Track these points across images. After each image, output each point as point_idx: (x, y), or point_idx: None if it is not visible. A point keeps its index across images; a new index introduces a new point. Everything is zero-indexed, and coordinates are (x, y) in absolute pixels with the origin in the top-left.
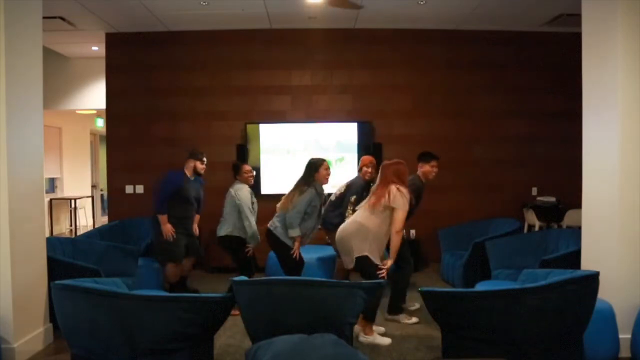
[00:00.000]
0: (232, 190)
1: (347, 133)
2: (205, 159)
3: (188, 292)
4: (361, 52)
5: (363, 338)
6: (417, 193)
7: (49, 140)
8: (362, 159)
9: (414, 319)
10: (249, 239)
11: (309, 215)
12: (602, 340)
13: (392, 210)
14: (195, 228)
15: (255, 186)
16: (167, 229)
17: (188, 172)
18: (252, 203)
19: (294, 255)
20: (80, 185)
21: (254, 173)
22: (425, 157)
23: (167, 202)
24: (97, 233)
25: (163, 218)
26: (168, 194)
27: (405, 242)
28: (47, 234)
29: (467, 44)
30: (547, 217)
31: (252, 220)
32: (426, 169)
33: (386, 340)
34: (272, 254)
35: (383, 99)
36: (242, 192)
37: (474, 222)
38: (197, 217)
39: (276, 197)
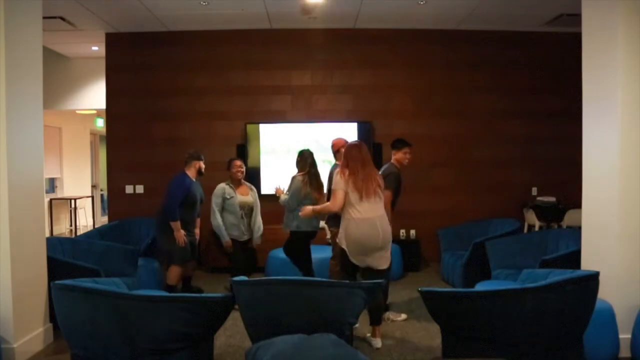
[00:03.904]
0: None
1: (347, 133)
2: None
3: (192, 291)
4: (361, 52)
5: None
6: (396, 180)
7: (49, 140)
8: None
9: (403, 315)
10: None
11: None
12: (602, 340)
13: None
14: (197, 232)
15: (255, 186)
16: (180, 235)
17: (191, 174)
18: (227, 199)
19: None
20: (80, 185)
21: (244, 169)
22: (397, 144)
23: (179, 206)
24: (97, 233)
25: (176, 225)
26: (180, 200)
27: None
28: (47, 234)
29: (467, 44)
30: (547, 217)
31: (217, 215)
32: (399, 156)
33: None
34: (272, 253)
35: (383, 99)
36: (216, 189)
37: (474, 222)
38: (198, 221)
39: (276, 197)
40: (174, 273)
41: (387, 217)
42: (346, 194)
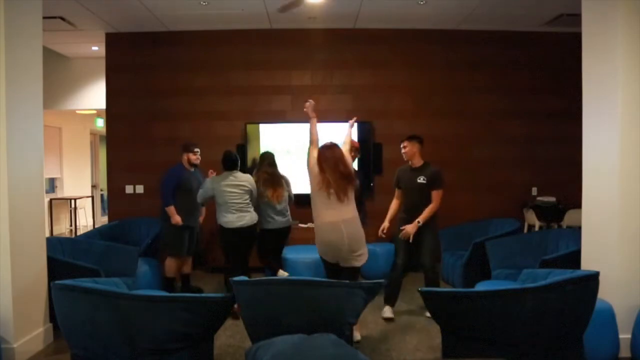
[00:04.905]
0: (250, 181)
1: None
2: (197, 149)
3: (192, 291)
4: (361, 52)
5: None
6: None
7: (49, 140)
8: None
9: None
10: None
11: None
12: (602, 340)
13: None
14: (201, 219)
15: None
16: (177, 220)
17: (185, 164)
18: None
19: None
20: (80, 185)
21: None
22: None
23: (172, 193)
24: (97, 233)
25: (171, 209)
26: (171, 187)
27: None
28: (47, 234)
29: (467, 44)
30: (547, 217)
31: None
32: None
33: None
34: None
35: (383, 99)
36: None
37: (474, 222)
38: (203, 210)
39: None
40: (168, 265)
41: (357, 221)
42: (315, 193)
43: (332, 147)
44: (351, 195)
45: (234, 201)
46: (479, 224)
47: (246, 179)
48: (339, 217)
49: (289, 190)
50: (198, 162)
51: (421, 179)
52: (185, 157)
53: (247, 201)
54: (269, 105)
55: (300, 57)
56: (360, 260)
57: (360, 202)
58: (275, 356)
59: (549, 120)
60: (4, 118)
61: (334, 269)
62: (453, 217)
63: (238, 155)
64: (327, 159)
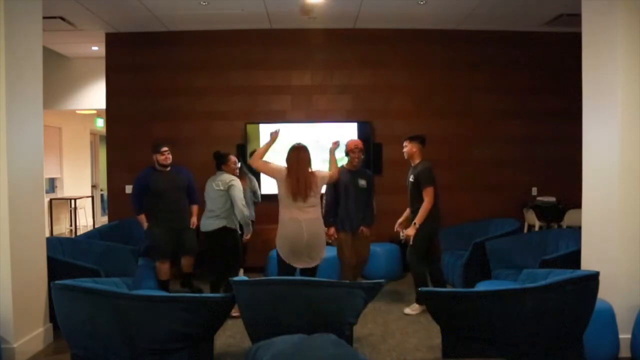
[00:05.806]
0: (226, 182)
1: (347, 133)
2: (165, 149)
3: (192, 291)
4: (361, 52)
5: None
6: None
7: (49, 140)
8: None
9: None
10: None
11: None
12: (602, 340)
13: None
14: (194, 221)
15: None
16: (144, 225)
17: (155, 166)
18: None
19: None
20: (80, 185)
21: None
22: None
23: (139, 200)
24: (97, 233)
25: (140, 218)
26: (137, 193)
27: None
28: (47, 234)
29: (467, 44)
30: (547, 217)
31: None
32: None
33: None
34: (272, 253)
35: (383, 99)
36: (237, 183)
37: (474, 222)
38: (194, 208)
39: (276, 198)
40: (158, 268)
41: (319, 222)
42: (280, 190)
43: (299, 149)
44: (313, 199)
45: (208, 206)
46: (479, 224)
47: (221, 180)
48: (301, 215)
49: (253, 189)
50: (167, 162)
51: (411, 178)
52: (154, 158)
53: (220, 205)
54: (269, 105)
55: (300, 57)
56: (313, 262)
57: (369, 201)
58: (275, 356)
59: (549, 120)
60: (4, 118)
61: (288, 269)
62: (453, 217)
63: (224, 154)
64: (291, 159)
